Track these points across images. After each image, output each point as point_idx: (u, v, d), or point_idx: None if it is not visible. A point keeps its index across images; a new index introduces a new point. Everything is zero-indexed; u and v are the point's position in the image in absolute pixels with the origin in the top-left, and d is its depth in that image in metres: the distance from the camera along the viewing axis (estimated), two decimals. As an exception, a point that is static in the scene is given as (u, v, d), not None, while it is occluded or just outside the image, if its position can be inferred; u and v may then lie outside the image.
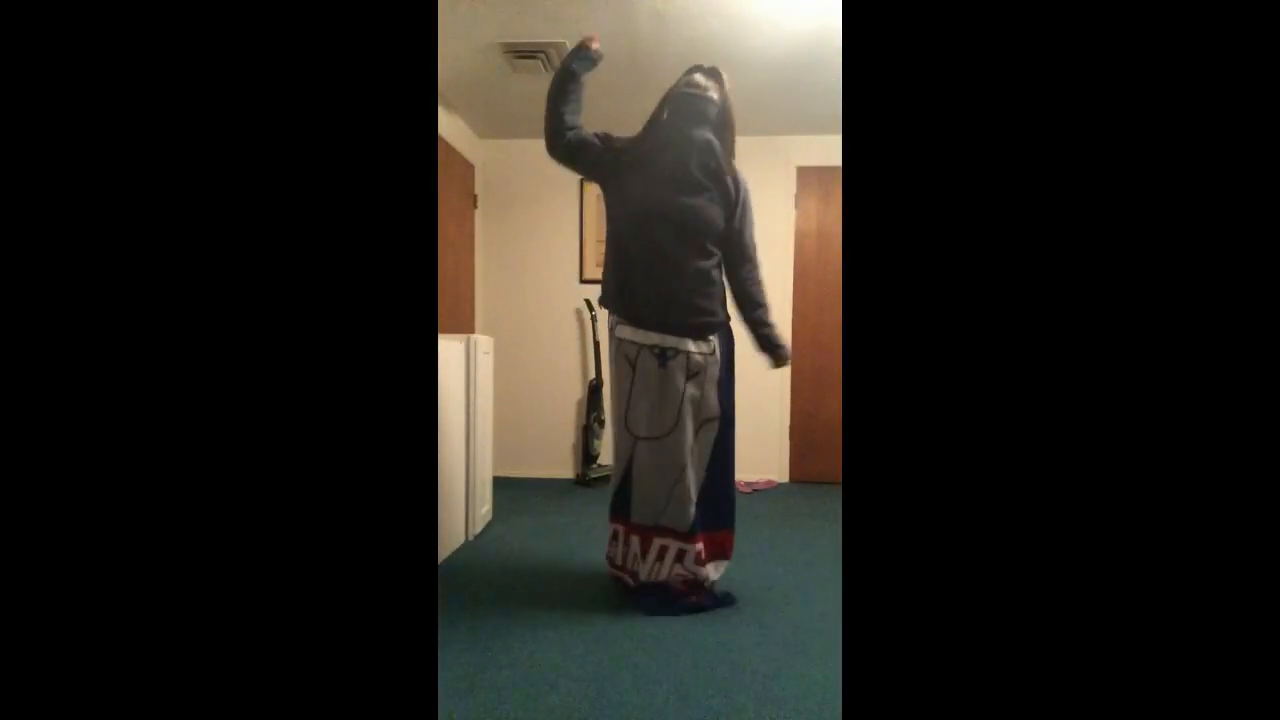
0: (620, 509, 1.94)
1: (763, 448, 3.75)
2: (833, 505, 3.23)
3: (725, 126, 1.88)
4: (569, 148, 1.90)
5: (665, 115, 1.87)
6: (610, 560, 2.01)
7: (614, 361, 1.93)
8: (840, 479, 3.64)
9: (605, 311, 2.01)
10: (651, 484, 1.87)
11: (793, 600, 2.01)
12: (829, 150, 3.63)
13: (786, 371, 3.72)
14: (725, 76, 1.88)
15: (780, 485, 3.68)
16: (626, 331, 1.88)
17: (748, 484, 3.62)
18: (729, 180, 1.86)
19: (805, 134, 3.61)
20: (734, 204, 1.88)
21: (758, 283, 1.97)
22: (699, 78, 1.86)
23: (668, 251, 1.81)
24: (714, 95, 1.85)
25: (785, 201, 3.68)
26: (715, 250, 1.87)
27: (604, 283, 1.96)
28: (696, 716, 1.37)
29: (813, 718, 1.37)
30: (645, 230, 1.83)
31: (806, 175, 3.68)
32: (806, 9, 2.29)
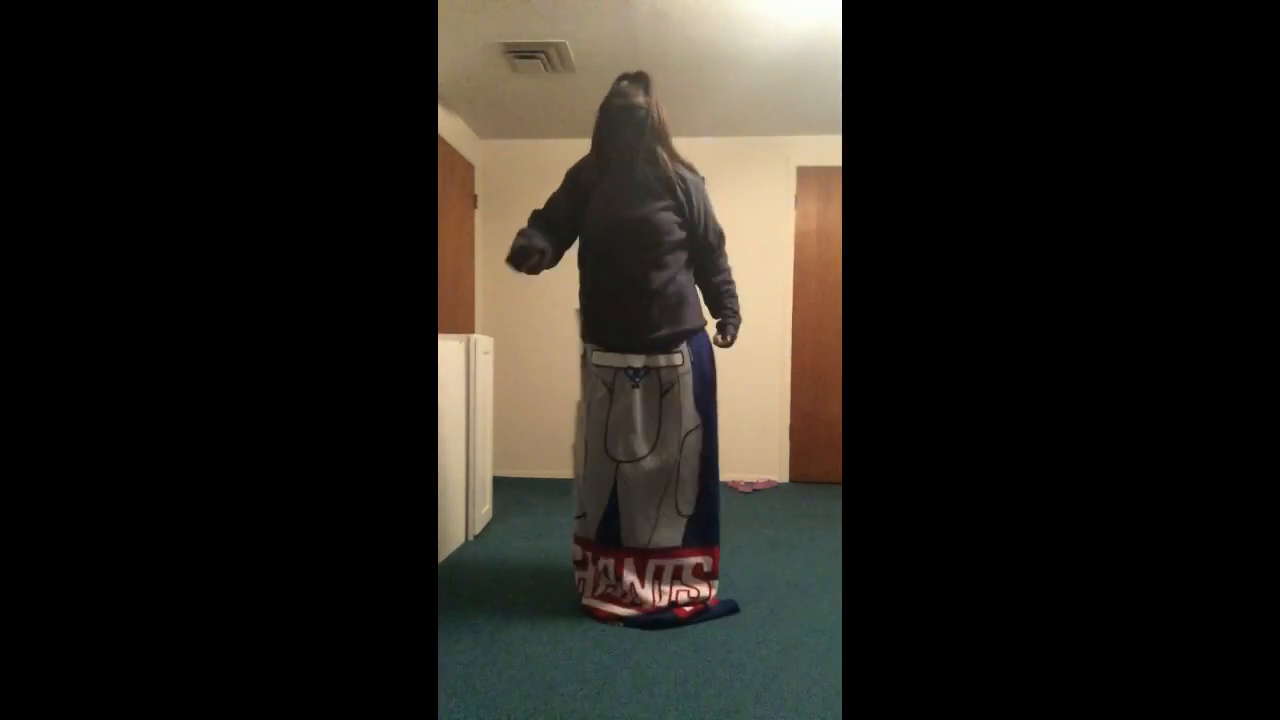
0: (608, 538, 1.88)
1: (763, 448, 3.75)
2: (833, 505, 3.23)
3: (658, 130, 1.85)
4: (529, 240, 1.90)
5: (604, 131, 1.87)
6: (606, 597, 1.89)
7: (591, 389, 1.91)
8: (840, 479, 3.64)
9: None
10: (640, 506, 1.86)
11: (793, 600, 2.01)
12: (829, 150, 3.63)
13: (786, 371, 3.72)
14: (649, 80, 1.87)
15: (780, 485, 3.68)
16: (599, 357, 1.89)
17: (748, 484, 3.62)
18: (677, 184, 1.84)
19: (805, 134, 3.61)
20: (688, 206, 1.85)
21: (727, 284, 2.00)
22: (625, 86, 1.85)
23: (625, 269, 1.81)
24: (640, 101, 1.83)
25: (785, 201, 3.68)
26: (673, 260, 1.85)
27: (580, 314, 1.98)
28: (696, 716, 1.37)
29: (813, 718, 1.37)
30: (601, 248, 1.85)
31: (806, 175, 3.68)
32: (806, 9, 2.29)
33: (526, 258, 1.84)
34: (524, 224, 1.97)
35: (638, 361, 1.85)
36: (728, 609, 1.90)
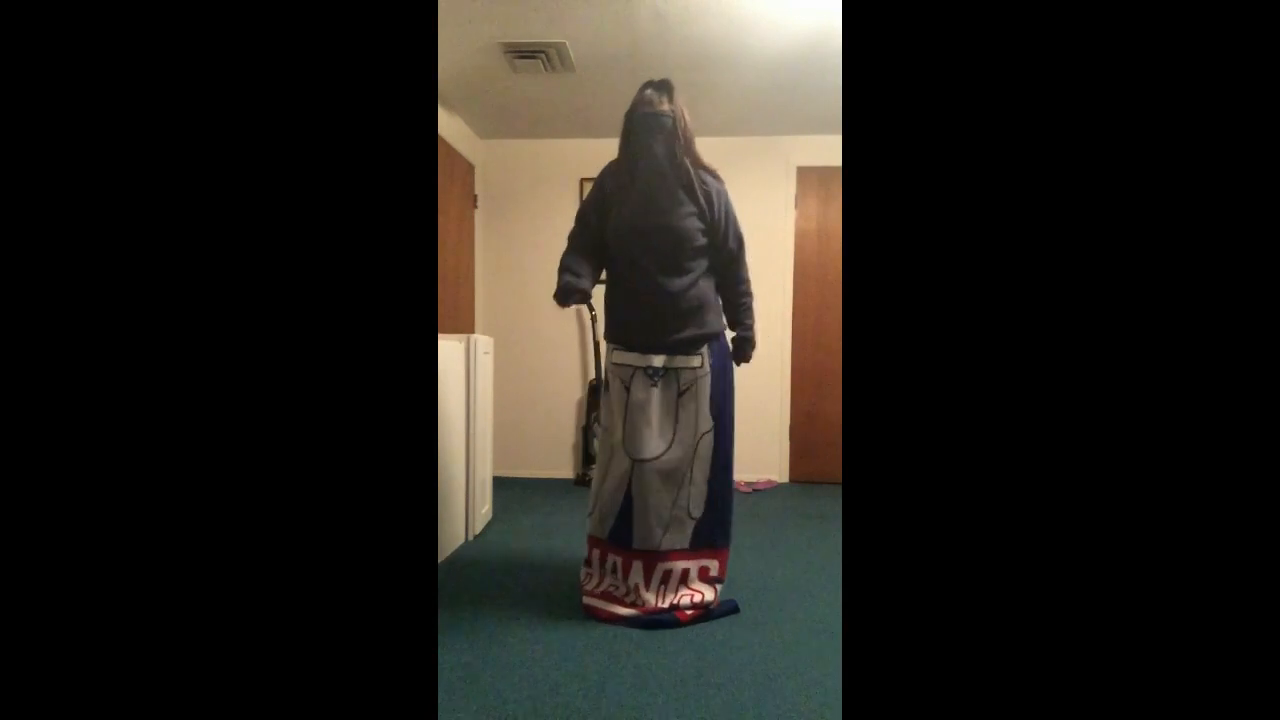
0: (620, 538, 1.89)
1: (763, 448, 3.75)
2: (833, 505, 3.23)
3: (683, 137, 1.87)
4: (573, 263, 1.95)
5: (631, 138, 1.89)
6: (609, 596, 1.90)
7: (610, 387, 1.95)
8: (840, 479, 3.64)
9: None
10: (654, 506, 1.86)
11: (793, 600, 2.01)
12: (829, 150, 3.63)
13: (786, 371, 3.72)
14: (673, 86, 1.89)
15: (780, 485, 3.68)
16: (619, 355, 1.92)
17: (748, 484, 3.62)
18: (699, 191, 1.86)
19: (805, 134, 3.61)
20: (710, 213, 1.87)
21: (745, 297, 2.00)
22: (650, 93, 1.88)
23: (648, 272, 1.84)
24: (666, 108, 1.86)
25: (785, 201, 3.68)
26: (695, 265, 1.88)
27: (604, 313, 2.01)
28: (696, 716, 1.37)
29: (813, 718, 1.37)
30: (626, 252, 1.88)
31: (806, 175, 3.68)
32: (806, 9, 2.29)
33: (569, 298, 1.91)
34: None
35: (658, 361, 1.88)
36: (728, 609, 1.90)
